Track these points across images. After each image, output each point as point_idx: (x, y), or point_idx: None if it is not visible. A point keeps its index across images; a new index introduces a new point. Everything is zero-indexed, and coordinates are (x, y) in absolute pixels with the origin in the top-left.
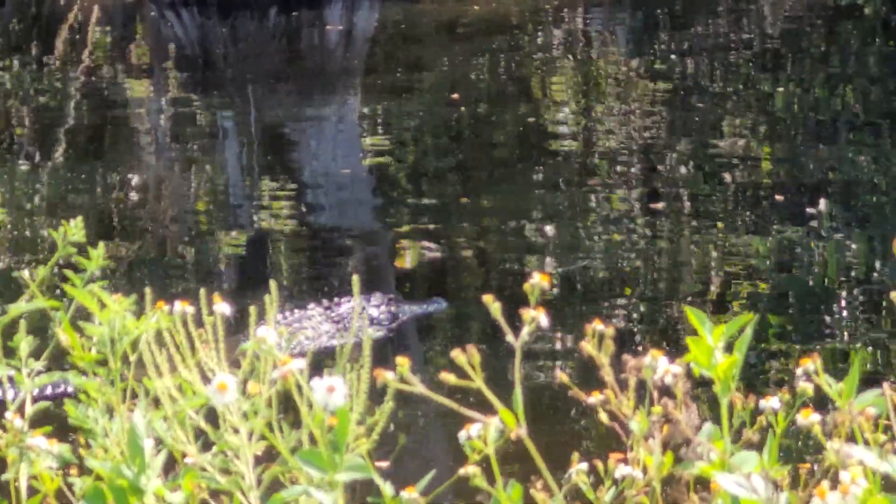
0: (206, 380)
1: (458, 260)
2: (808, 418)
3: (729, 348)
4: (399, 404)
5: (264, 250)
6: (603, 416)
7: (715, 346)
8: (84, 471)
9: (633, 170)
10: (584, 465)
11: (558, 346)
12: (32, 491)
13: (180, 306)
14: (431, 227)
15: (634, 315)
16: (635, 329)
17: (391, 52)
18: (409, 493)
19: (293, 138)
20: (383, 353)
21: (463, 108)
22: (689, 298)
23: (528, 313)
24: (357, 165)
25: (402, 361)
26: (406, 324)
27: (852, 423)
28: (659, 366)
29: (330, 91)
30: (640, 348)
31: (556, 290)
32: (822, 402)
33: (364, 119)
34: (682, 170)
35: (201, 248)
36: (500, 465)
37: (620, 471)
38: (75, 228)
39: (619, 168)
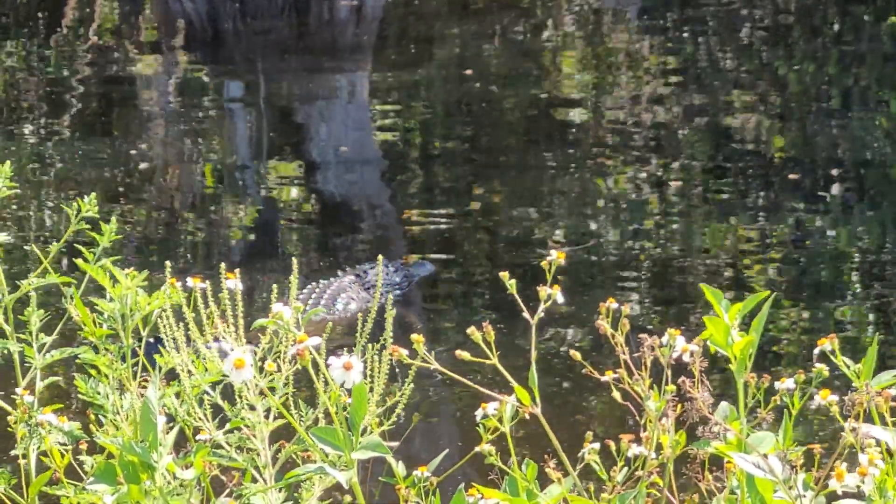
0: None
1: (468, 237)
2: (826, 399)
3: (745, 327)
4: (400, 378)
5: (274, 224)
6: (617, 395)
7: (731, 325)
8: (95, 448)
9: (645, 148)
10: (597, 445)
11: (571, 324)
12: (41, 467)
13: (192, 282)
14: (441, 201)
15: (645, 294)
16: (646, 309)
17: (402, 28)
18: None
19: (302, 114)
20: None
21: (478, 85)
22: (702, 277)
23: (543, 290)
24: (367, 140)
25: (418, 339)
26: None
27: (870, 403)
28: (676, 344)
29: (340, 67)
30: (651, 328)
31: (566, 269)
32: (830, 384)
33: (375, 94)
34: (695, 148)
35: (210, 223)
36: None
37: (633, 450)
38: (89, 204)
39: (630, 146)
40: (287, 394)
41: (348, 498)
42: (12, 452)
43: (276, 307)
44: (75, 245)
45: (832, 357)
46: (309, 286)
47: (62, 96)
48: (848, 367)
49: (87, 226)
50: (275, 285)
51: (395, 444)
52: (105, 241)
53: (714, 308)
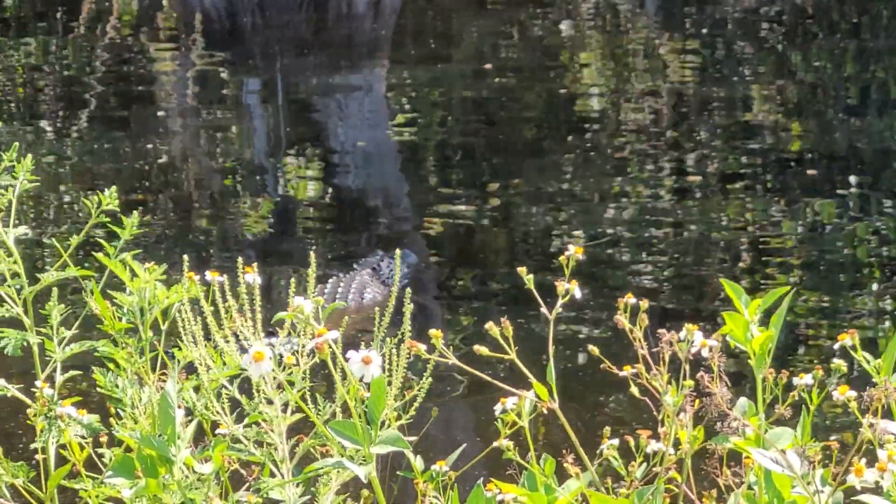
0: (242, 349)
1: (486, 231)
2: (844, 394)
3: (764, 322)
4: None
5: (291, 218)
6: (634, 390)
7: (751, 320)
8: (115, 442)
9: (662, 142)
10: (616, 441)
11: (588, 320)
12: (60, 460)
13: (210, 276)
14: (459, 196)
15: (663, 290)
16: (664, 304)
17: (420, 22)
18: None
19: (320, 108)
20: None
21: (497, 79)
22: (719, 272)
23: (561, 285)
24: (384, 135)
25: (436, 334)
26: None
27: (889, 398)
28: (694, 340)
29: (358, 61)
30: (668, 323)
31: (583, 264)
32: (848, 379)
33: (392, 89)
34: (713, 143)
35: (228, 217)
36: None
37: (652, 446)
38: (109, 198)
39: (648, 140)
40: (305, 388)
41: (366, 492)
42: (32, 446)
43: (296, 301)
44: (96, 239)
45: (852, 352)
46: (332, 280)
47: (80, 91)
48: (868, 362)
49: (108, 219)
50: (293, 280)
51: (413, 438)
52: (126, 235)
53: (734, 303)
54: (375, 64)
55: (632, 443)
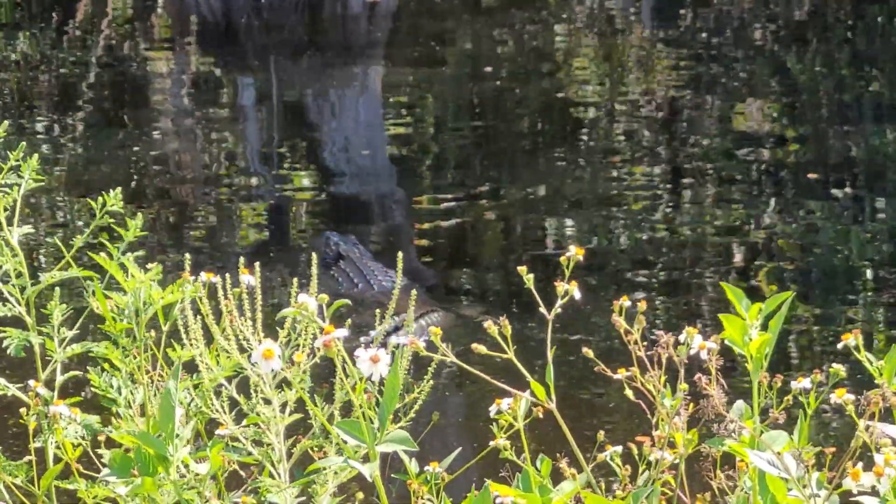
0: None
1: (480, 232)
2: (842, 397)
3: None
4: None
5: (285, 220)
6: (629, 393)
7: (751, 324)
8: (115, 442)
9: (657, 147)
10: (619, 448)
11: (583, 322)
12: (59, 461)
13: (206, 277)
14: (453, 197)
15: (658, 294)
16: (659, 307)
17: (415, 24)
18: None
19: (315, 110)
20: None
21: (498, 82)
22: (714, 276)
23: (560, 286)
24: (379, 136)
25: (436, 331)
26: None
27: (887, 401)
28: (693, 343)
29: (353, 63)
30: (662, 327)
31: (578, 266)
32: (843, 383)
33: (388, 90)
34: (707, 148)
35: (221, 220)
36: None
37: (655, 455)
38: (114, 199)
39: (643, 144)
40: (304, 387)
41: (361, 494)
42: (34, 445)
43: (301, 297)
44: (99, 239)
45: (855, 353)
46: (345, 267)
47: (74, 91)
48: (871, 363)
49: (112, 220)
50: (294, 279)
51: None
52: (130, 237)
53: (735, 307)
54: (371, 65)
55: (634, 450)
